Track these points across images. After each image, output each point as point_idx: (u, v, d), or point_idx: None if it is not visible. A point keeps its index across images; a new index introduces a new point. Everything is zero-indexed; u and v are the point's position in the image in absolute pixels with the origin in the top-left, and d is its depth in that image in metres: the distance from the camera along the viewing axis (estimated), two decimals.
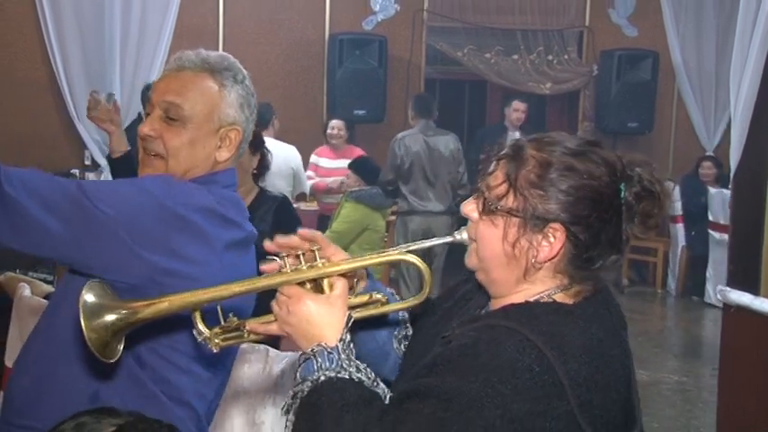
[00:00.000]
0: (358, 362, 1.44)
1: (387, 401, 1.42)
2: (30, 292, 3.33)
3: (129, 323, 1.50)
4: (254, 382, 2.72)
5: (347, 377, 1.40)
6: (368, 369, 1.44)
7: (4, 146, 6.80)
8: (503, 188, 1.45)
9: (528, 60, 8.81)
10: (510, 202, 1.44)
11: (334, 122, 7.18)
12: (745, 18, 3.69)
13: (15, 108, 7.11)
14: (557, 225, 1.42)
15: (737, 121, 3.71)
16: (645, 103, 8.62)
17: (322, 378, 1.40)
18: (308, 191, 6.38)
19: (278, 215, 3.60)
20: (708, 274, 7.86)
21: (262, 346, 2.77)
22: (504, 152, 1.49)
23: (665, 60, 8.72)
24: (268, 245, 1.52)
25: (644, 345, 6.51)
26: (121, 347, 1.50)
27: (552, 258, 1.44)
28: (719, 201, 7.61)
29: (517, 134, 7.30)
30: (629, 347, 1.51)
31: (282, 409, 1.45)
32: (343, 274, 1.50)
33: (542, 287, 1.48)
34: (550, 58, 8.81)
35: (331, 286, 1.48)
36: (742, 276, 3.82)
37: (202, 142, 1.90)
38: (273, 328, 1.50)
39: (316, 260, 1.49)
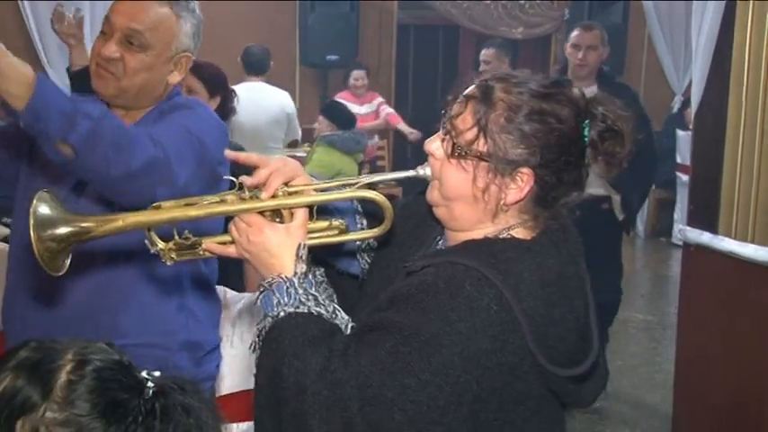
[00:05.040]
0: (316, 293, 1.44)
1: (348, 330, 1.45)
2: None
3: (81, 240, 1.44)
4: None
5: (306, 311, 1.42)
6: (326, 300, 1.45)
7: None
8: (472, 132, 1.44)
9: (500, 5, 8.79)
10: (480, 146, 1.43)
11: (356, 73, 7.51)
12: None
13: None
14: (525, 169, 1.43)
15: (699, 59, 3.74)
16: (616, 47, 8.59)
17: (282, 314, 1.42)
18: (300, 137, 6.39)
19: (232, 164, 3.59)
20: (675, 216, 7.99)
21: (220, 288, 2.80)
22: (471, 92, 1.47)
23: (635, 4, 8.73)
24: (239, 155, 1.53)
25: None
26: (68, 261, 1.45)
27: (520, 201, 1.46)
28: (686, 143, 7.68)
29: (594, 89, 4.17)
30: (585, 274, 1.53)
31: (250, 348, 1.47)
32: None
33: (504, 224, 1.49)
34: (522, 2, 8.80)
35: (291, 214, 1.47)
36: (701, 215, 3.90)
37: (159, 68, 2.04)
38: (231, 251, 1.50)
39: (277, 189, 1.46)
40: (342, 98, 7.27)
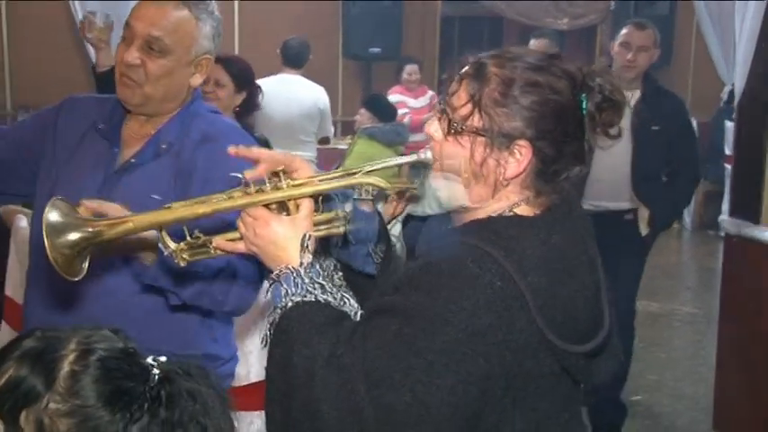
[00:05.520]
0: (323, 282, 1.45)
1: (356, 317, 1.45)
2: (26, 223, 3.36)
3: (93, 243, 1.45)
4: None
5: (313, 300, 1.42)
6: (333, 288, 1.46)
7: (28, 86, 7.01)
8: (467, 108, 1.44)
9: None
10: (475, 121, 1.44)
11: (409, 67, 7.54)
12: None
13: (38, 50, 7.31)
14: (523, 142, 1.43)
15: (741, 49, 3.72)
16: (663, 38, 8.46)
17: (290, 304, 1.42)
18: (331, 135, 6.41)
19: None
20: (723, 208, 7.86)
21: None
22: (465, 71, 1.47)
23: None
24: (234, 150, 1.51)
25: (658, 278, 6.54)
26: (86, 265, 1.46)
27: (519, 174, 1.45)
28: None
29: (638, 94, 3.90)
30: (595, 255, 1.52)
31: (261, 342, 1.47)
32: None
33: (507, 202, 1.48)
34: None
35: (297, 206, 1.48)
36: (744, 206, 3.86)
37: (180, 71, 2.06)
38: (240, 247, 1.50)
39: (281, 181, 1.47)
40: (396, 92, 7.32)
